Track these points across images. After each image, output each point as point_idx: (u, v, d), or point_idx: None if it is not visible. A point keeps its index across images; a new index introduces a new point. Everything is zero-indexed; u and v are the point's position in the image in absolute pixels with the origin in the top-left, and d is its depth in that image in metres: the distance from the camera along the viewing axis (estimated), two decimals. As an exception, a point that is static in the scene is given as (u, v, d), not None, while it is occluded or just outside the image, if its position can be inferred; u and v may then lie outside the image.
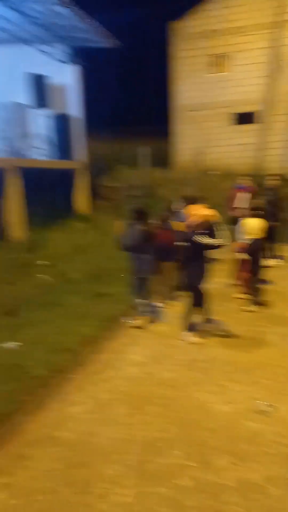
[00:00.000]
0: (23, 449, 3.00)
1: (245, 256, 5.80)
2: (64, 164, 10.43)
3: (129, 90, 15.64)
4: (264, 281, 6.03)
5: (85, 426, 3.25)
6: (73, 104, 10.99)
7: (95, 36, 10.09)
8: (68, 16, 8.94)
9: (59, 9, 8.55)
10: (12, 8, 8.43)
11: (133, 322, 5.21)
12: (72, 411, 3.43)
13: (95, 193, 12.13)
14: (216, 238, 4.63)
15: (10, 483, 2.69)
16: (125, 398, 3.61)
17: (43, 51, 10.28)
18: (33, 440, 3.10)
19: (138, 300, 5.30)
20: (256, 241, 5.68)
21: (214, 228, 4.75)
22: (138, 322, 5.20)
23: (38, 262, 7.61)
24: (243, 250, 5.79)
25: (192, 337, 4.73)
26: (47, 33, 9.71)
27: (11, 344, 4.46)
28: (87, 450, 2.99)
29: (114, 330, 5.04)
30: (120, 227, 5.17)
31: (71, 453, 2.96)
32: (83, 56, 10.98)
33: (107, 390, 3.72)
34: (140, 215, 5.19)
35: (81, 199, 11.29)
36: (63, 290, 6.48)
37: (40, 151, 10.38)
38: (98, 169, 12.49)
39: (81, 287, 6.61)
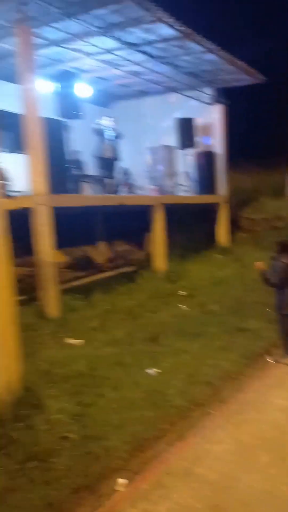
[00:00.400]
0: (163, 478, 2.97)
1: None
2: (206, 199, 10.69)
3: (273, 120, 15.29)
4: None
5: (225, 467, 3.06)
6: (217, 141, 11.31)
7: (240, 75, 10.32)
8: (214, 61, 9.40)
9: (205, 56, 9.07)
10: (163, 63, 9.34)
11: (278, 362, 4.79)
12: (212, 449, 3.28)
13: (236, 226, 11.98)
14: None
15: (149, 511, 2.67)
16: (269, 445, 3.28)
17: (190, 96, 10.99)
18: (174, 471, 3.05)
19: (283, 339, 4.88)
20: None
21: None
22: (284, 362, 4.76)
23: (179, 292, 7.81)
24: None
25: None
26: (194, 80, 10.37)
27: (151, 371, 4.58)
28: (226, 495, 2.78)
29: (257, 368, 4.73)
30: (262, 264, 4.93)
31: (210, 494, 2.80)
32: (228, 95, 11.30)
33: (249, 433, 3.45)
34: (285, 247, 4.87)
35: (222, 231, 11.30)
36: (202, 321, 6.44)
37: (184, 188, 10.91)
38: (240, 201, 12.38)
39: (220, 319, 6.47)
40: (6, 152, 9.94)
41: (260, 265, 4.92)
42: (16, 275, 7.81)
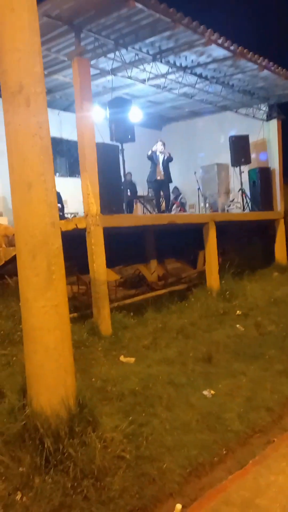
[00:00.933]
0: (221, 508, 2.79)
1: None
2: (261, 216, 10.40)
3: None
4: None
5: (290, 502, 2.81)
6: (273, 157, 11.06)
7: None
8: (269, 77, 9.29)
9: (259, 73, 9.00)
10: (216, 83, 9.40)
11: None
12: (276, 480, 3.04)
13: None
14: None
15: None
16: None
17: (244, 114, 10.92)
18: (233, 501, 2.86)
19: None
20: None
21: None
22: None
23: (236, 312, 7.54)
24: None
25: None
26: (248, 97, 10.31)
27: (206, 392, 4.42)
28: (294, 534, 2.54)
29: None
30: None
31: (275, 531, 2.58)
32: (283, 109, 11.07)
33: None
34: None
35: (279, 249, 10.87)
36: (259, 342, 6.15)
37: (239, 205, 10.73)
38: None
39: (279, 341, 6.13)
40: (63, 176, 10.55)
41: None
42: (71, 293, 8.09)
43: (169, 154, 9.37)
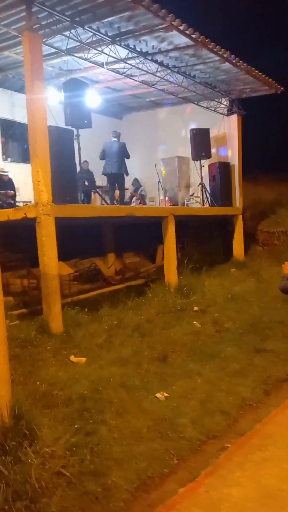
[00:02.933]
0: (170, 529, 2.53)
1: None
2: (220, 211, 10.31)
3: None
4: None
5: (244, 517, 2.60)
6: (233, 152, 10.99)
7: (257, 85, 10.05)
8: (231, 70, 9.14)
9: (221, 65, 8.82)
10: (177, 72, 9.12)
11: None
12: (230, 493, 2.82)
13: (253, 239, 11.54)
14: None
15: None
16: (297, 490, 2.81)
17: (205, 107, 10.75)
18: (182, 519, 2.61)
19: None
20: None
21: None
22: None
23: (194, 308, 7.37)
24: None
25: None
26: (209, 90, 10.13)
27: (159, 395, 4.16)
28: None
29: (279, 396, 4.25)
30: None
31: None
32: (244, 105, 11.02)
33: (273, 475, 2.98)
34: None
35: (237, 245, 10.87)
36: (217, 340, 6.01)
37: (198, 199, 10.57)
38: (258, 214, 11.96)
39: (237, 338, 6.02)
40: (15, 162, 9.88)
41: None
42: (22, 287, 7.57)
43: (124, 148, 9.02)
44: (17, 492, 2.64)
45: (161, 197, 10.06)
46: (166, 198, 9.99)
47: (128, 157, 9.03)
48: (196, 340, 5.95)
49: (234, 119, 10.83)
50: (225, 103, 10.87)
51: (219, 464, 3.14)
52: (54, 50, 7.61)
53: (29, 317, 6.22)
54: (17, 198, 8.79)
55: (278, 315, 6.82)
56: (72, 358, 5.20)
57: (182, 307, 7.42)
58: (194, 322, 6.73)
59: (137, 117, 12.58)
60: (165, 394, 4.21)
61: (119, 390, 4.24)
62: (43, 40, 6.80)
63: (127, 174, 9.24)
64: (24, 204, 8.28)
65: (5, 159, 9.73)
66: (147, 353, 5.37)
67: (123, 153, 8.89)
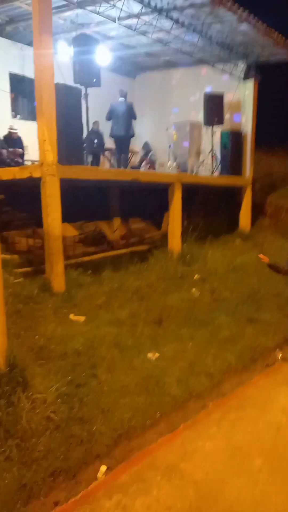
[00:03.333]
0: (146, 471, 2.79)
1: None
2: (229, 180, 10.18)
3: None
4: None
5: (214, 467, 2.84)
6: (247, 119, 10.68)
7: (276, 48, 9.59)
8: (248, 32, 8.73)
9: (239, 26, 8.41)
10: (193, 31, 8.73)
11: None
12: (203, 445, 3.06)
13: (261, 211, 11.44)
14: None
15: (124, 505, 2.50)
16: (266, 450, 3.03)
17: (221, 70, 10.34)
18: (158, 465, 2.86)
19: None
20: None
21: None
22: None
23: (194, 277, 7.50)
24: None
25: None
26: (226, 52, 9.72)
27: (150, 355, 4.38)
28: (211, 498, 2.57)
29: (264, 364, 4.43)
30: (266, 257, 4.63)
31: (193, 494, 2.60)
32: (261, 70, 10.56)
33: (245, 433, 3.20)
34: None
35: (244, 216, 10.81)
36: (212, 308, 6.17)
37: (208, 167, 10.42)
38: (267, 185, 11.78)
39: (232, 307, 6.17)
40: (25, 119, 9.77)
41: (264, 258, 4.65)
42: (27, 247, 7.75)
43: (133, 110, 8.74)
44: (9, 431, 2.90)
45: (170, 163, 9.94)
46: (174, 164, 9.87)
47: (135, 118, 8.76)
48: (192, 307, 6.12)
49: (250, 84, 10.42)
50: (242, 66, 10.42)
51: (198, 420, 3.37)
52: (65, 2, 7.33)
53: (33, 276, 6.42)
54: (26, 157, 8.78)
55: (275, 288, 6.91)
56: (72, 316, 5.42)
57: (182, 275, 7.55)
58: (193, 290, 6.88)
59: (151, 77, 12.17)
60: (156, 355, 4.42)
61: (112, 348, 4.46)
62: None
63: (133, 135, 9.01)
64: (32, 163, 8.29)
65: (14, 116, 9.63)
66: (144, 316, 5.57)
67: (130, 114, 8.61)
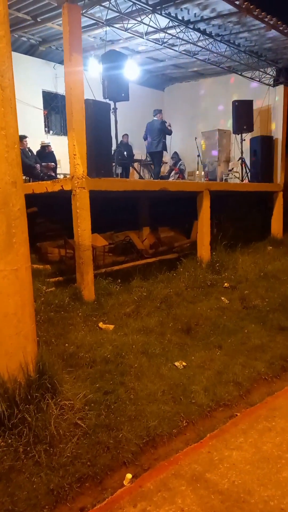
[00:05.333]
0: (171, 480, 2.79)
1: None
2: (259, 187, 10.05)
3: None
4: None
5: (240, 477, 2.79)
6: (277, 125, 10.54)
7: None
8: (277, 38, 8.66)
9: (267, 33, 8.37)
10: (221, 41, 8.78)
11: None
12: (230, 455, 3.02)
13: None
14: None
15: (152, 513, 2.51)
16: (297, 460, 2.94)
17: (250, 78, 10.30)
18: (183, 473, 2.85)
19: None
20: None
21: None
22: None
23: (224, 284, 7.43)
24: None
25: None
26: (255, 59, 9.68)
27: (178, 363, 4.38)
28: (236, 509, 2.53)
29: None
30: None
31: (219, 505, 2.57)
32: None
33: (275, 444, 3.13)
34: None
35: (276, 222, 10.61)
36: (242, 316, 6.08)
37: (238, 174, 10.36)
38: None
39: (262, 316, 6.05)
40: (57, 134, 10.16)
41: None
42: (59, 256, 7.99)
43: (167, 127, 9.12)
44: (38, 436, 3.00)
45: (199, 172, 9.97)
46: (203, 173, 9.89)
47: (168, 133, 9.04)
48: (222, 315, 6.06)
49: (280, 90, 10.31)
50: (271, 72, 10.34)
51: (225, 429, 3.33)
52: (94, 21, 7.61)
53: (64, 285, 6.61)
54: (58, 170, 9.14)
55: (309, 296, 6.72)
56: (101, 324, 5.53)
57: (212, 283, 7.50)
58: (222, 298, 6.81)
59: (179, 88, 12.34)
60: (183, 363, 4.42)
61: (140, 356, 4.50)
62: (83, 11, 6.84)
63: (165, 150, 9.26)
64: (64, 176, 8.59)
65: (47, 132, 10.05)
66: (172, 324, 5.58)
67: (163, 131, 8.94)
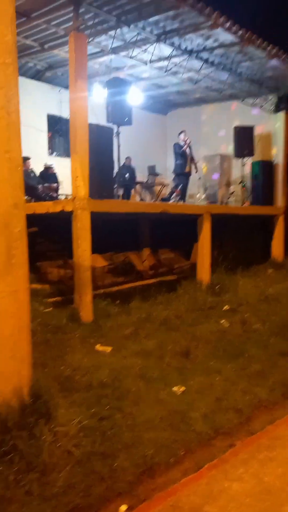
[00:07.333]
0: (167, 513, 2.67)
1: None
2: (260, 210, 10.13)
3: None
4: None
5: (241, 511, 2.67)
6: (278, 150, 10.71)
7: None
8: (277, 66, 8.91)
9: (268, 61, 8.62)
10: (223, 70, 9.04)
11: None
12: (230, 486, 2.90)
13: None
14: None
15: None
16: (298, 493, 2.82)
17: (251, 104, 10.54)
18: (181, 505, 2.73)
19: None
20: None
21: None
22: None
23: (224, 307, 7.37)
24: None
25: None
26: (256, 87, 9.93)
27: (176, 389, 4.28)
28: None
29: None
30: None
31: None
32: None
33: (277, 475, 3.01)
34: None
35: (277, 245, 10.63)
36: (243, 340, 5.98)
37: (239, 198, 10.46)
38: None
39: (263, 340, 5.96)
40: (60, 156, 10.32)
41: None
42: (58, 277, 7.97)
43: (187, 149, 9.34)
44: (30, 464, 2.89)
45: (199, 195, 10.07)
46: (204, 196, 9.99)
47: (178, 155, 9.25)
48: (222, 339, 5.97)
49: (281, 116, 10.53)
50: (272, 99, 10.58)
51: (224, 458, 3.21)
52: (99, 49, 7.85)
53: (62, 305, 6.57)
54: (60, 191, 9.23)
55: (310, 320, 6.64)
56: (98, 347, 5.45)
57: (212, 305, 7.44)
58: (222, 321, 6.73)
59: (182, 113, 12.61)
60: (182, 388, 4.32)
61: (138, 380, 4.41)
62: (89, 40, 7.06)
63: (178, 171, 9.44)
64: (66, 197, 8.67)
65: (50, 153, 10.21)
66: (171, 347, 5.49)
67: (175, 152, 9.26)
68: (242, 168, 10.28)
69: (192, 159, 9.31)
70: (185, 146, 9.12)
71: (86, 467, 2.98)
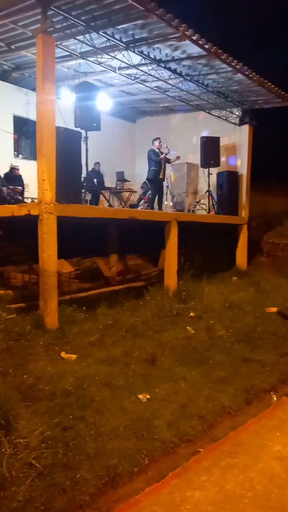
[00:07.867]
0: (130, 525, 2.63)
1: None
2: (225, 219, 10.35)
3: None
4: None
5: (204, 520, 2.68)
6: (242, 162, 11.02)
7: (270, 96, 10.06)
8: (243, 81, 9.19)
9: (234, 76, 8.87)
10: (190, 80, 9.21)
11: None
12: (192, 495, 2.91)
13: (257, 249, 11.54)
14: None
15: None
16: (259, 499, 2.87)
17: (217, 116, 10.80)
18: (143, 517, 2.70)
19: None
20: None
21: None
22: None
23: (190, 314, 7.44)
24: None
25: None
26: (222, 99, 10.19)
27: (141, 396, 4.26)
28: None
29: (258, 406, 4.30)
30: (273, 308, 4.70)
31: None
32: (256, 115, 11.03)
33: (237, 482, 3.05)
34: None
35: (240, 254, 10.89)
36: (207, 347, 6.08)
37: (205, 206, 10.64)
38: (264, 224, 11.97)
39: (227, 346, 6.08)
40: (27, 159, 10.09)
41: (271, 309, 4.70)
42: (22, 282, 7.75)
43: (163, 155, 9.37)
44: (-13, 478, 2.77)
45: (167, 202, 10.16)
46: (171, 203, 10.10)
47: (149, 162, 9.26)
48: (187, 345, 6.03)
49: (245, 129, 10.85)
50: (237, 113, 10.90)
51: (187, 467, 3.22)
52: (68, 53, 7.78)
53: (26, 312, 6.36)
54: (26, 194, 9.01)
55: (272, 327, 6.84)
56: (63, 354, 5.32)
57: (178, 312, 7.49)
58: (188, 328, 6.80)
59: (150, 121, 12.72)
60: (147, 396, 4.30)
61: (103, 388, 4.35)
62: (58, 43, 6.98)
63: (150, 178, 9.44)
64: (32, 200, 8.48)
65: (16, 156, 9.97)
66: (137, 354, 5.47)
67: (149, 159, 9.25)
68: (209, 178, 10.49)
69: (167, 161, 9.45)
70: (163, 155, 9.21)
71: (47, 480, 2.90)
